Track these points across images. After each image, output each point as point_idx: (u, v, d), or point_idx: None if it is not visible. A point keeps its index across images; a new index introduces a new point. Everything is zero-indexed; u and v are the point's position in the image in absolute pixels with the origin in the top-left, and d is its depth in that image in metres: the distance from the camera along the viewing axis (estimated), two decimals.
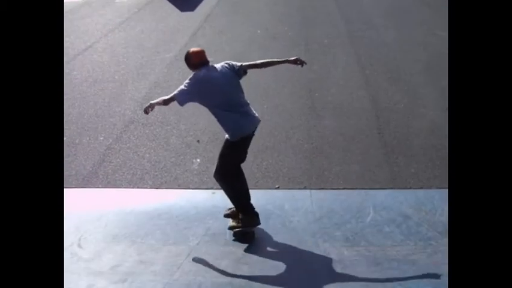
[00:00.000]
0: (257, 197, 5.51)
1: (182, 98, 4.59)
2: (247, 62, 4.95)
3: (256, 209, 4.96)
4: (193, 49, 4.73)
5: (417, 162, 6.29)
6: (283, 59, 4.98)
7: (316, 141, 6.75)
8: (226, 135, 4.69)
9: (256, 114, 4.82)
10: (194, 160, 6.52)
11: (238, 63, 4.75)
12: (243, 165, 4.97)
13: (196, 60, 4.62)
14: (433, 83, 8.70)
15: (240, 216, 4.80)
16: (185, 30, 12.09)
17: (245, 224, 4.76)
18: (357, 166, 6.18)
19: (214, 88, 4.54)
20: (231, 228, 4.93)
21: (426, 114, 7.56)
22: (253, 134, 4.76)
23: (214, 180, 5.49)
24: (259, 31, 11.80)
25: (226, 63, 4.75)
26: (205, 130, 7.19)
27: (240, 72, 4.76)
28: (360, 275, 4.33)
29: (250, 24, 12.47)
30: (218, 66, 4.69)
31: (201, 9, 14.11)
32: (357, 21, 12.36)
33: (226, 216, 5.00)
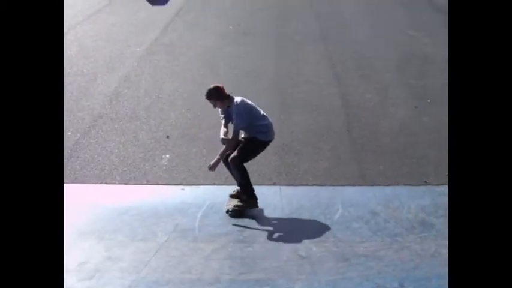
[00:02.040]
0: (227, 193, 5.55)
1: (242, 125, 5.17)
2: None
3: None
4: (216, 85, 5.29)
5: (385, 160, 6.39)
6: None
7: (286, 138, 6.78)
8: (252, 135, 5.23)
9: None
10: (163, 156, 6.47)
11: None
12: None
13: (225, 92, 5.24)
14: (402, 81, 8.86)
15: (243, 198, 5.24)
16: (156, 24, 11.94)
17: (247, 205, 5.23)
18: (326, 163, 6.24)
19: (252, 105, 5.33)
20: (234, 206, 5.28)
21: (395, 112, 7.68)
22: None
23: (183, 176, 5.50)
24: (231, 27, 11.75)
25: None
26: (175, 126, 7.15)
27: None
28: (327, 271, 4.38)
29: (223, 19, 12.41)
30: None
31: (174, 2, 13.93)
32: (330, 19, 12.43)
33: (232, 196, 5.38)
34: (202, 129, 7.05)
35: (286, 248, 4.73)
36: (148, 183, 5.95)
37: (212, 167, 5.19)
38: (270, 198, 5.53)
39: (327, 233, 4.94)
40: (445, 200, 5.50)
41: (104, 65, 9.50)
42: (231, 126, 5.28)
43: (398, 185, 5.90)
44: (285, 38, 11.00)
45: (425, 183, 5.87)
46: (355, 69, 9.24)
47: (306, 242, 4.81)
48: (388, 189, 5.77)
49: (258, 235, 4.96)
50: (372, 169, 6.18)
